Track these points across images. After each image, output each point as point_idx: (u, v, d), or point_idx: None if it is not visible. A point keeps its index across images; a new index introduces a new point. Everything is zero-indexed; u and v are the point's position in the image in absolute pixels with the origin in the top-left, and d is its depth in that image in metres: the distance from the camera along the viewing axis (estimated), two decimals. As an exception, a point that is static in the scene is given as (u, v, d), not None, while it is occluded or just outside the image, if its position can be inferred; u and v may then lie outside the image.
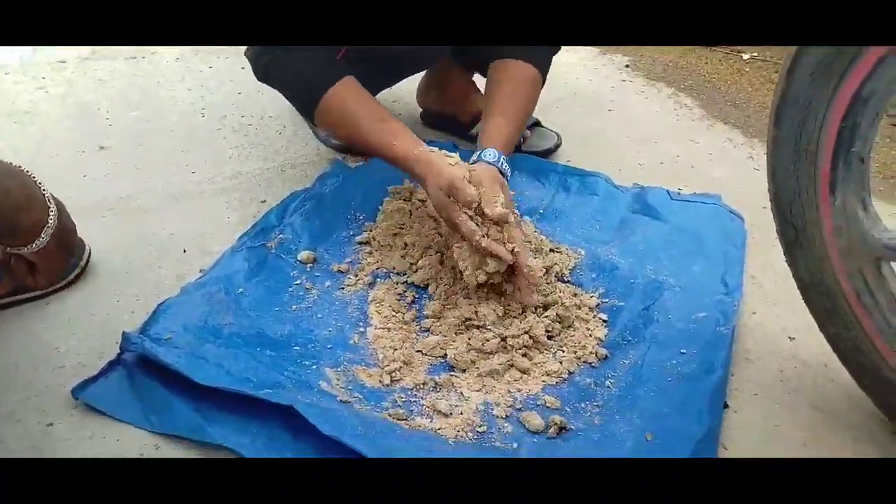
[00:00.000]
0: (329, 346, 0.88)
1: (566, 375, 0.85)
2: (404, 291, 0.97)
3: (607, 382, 0.84)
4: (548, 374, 0.86)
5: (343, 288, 0.98)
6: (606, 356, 0.88)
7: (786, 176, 0.76)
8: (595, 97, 1.57)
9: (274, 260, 1.00)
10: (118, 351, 0.82)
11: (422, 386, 0.84)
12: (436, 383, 0.84)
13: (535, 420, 0.79)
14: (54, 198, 0.69)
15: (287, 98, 1.16)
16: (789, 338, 0.96)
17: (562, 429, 0.78)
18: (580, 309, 0.93)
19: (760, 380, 0.89)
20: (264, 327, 0.88)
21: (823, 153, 0.72)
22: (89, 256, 0.98)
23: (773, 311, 1.00)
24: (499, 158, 1.02)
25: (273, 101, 1.46)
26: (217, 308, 0.89)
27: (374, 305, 0.95)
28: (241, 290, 0.93)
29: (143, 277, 0.98)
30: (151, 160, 1.25)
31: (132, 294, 0.95)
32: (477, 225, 0.91)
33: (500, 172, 1.00)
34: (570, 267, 1.01)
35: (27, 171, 0.68)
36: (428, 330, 0.91)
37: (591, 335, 0.90)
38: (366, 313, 0.94)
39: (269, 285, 0.95)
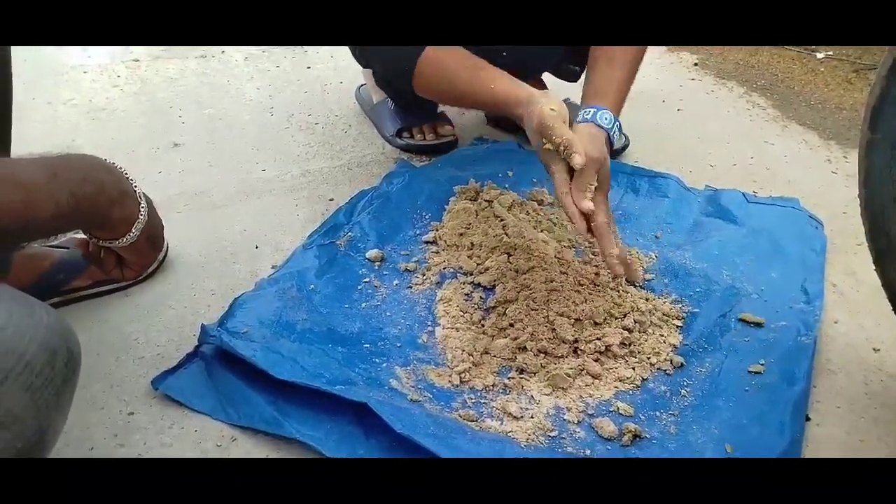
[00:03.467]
0: (398, 345, 0.88)
1: (639, 382, 0.84)
2: (471, 291, 0.97)
3: (683, 391, 0.82)
4: (620, 381, 0.84)
5: (411, 287, 0.98)
6: (682, 364, 0.85)
7: (880, 181, 0.73)
8: (663, 96, 1.54)
9: (343, 258, 1.01)
10: (196, 343, 0.85)
11: (491, 388, 0.83)
12: (505, 385, 0.84)
13: (608, 427, 0.77)
14: (144, 194, 0.71)
15: (386, 75, 1.15)
16: (874, 349, 0.92)
17: (636, 436, 0.76)
18: (654, 314, 0.91)
19: (844, 392, 0.85)
20: (335, 324, 0.89)
21: (924, 157, 0.69)
22: (167, 250, 1.01)
23: (856, 321, 0.96)
24: (612, 123, 0.94)
25: (339, 101, 1.48)
26: (290, 304, 0.90)
27: (442, 305, 0.95)
28: (312, 286, 0.94)
29: (218, 272, 1.01)
30: (223, 157, 1.28)
31: (208, 288, 0.98)
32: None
33: (609, 140, 0.94)
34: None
35: (118, 167, 0.70)
36: (495, 331, 0.90)
37: (665, 341, 0.88)
38: (433, 312, 0.94)
39: (340, 282, 0.96)
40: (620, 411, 0.80)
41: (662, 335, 0.89)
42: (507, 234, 1.03)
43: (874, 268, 0.79)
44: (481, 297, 0.96)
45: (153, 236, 0.74)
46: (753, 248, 1.04)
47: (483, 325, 0.92)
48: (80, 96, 1.49)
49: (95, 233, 0.70)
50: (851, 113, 1.48)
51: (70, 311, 0.93)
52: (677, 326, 0.91)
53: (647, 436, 0.77)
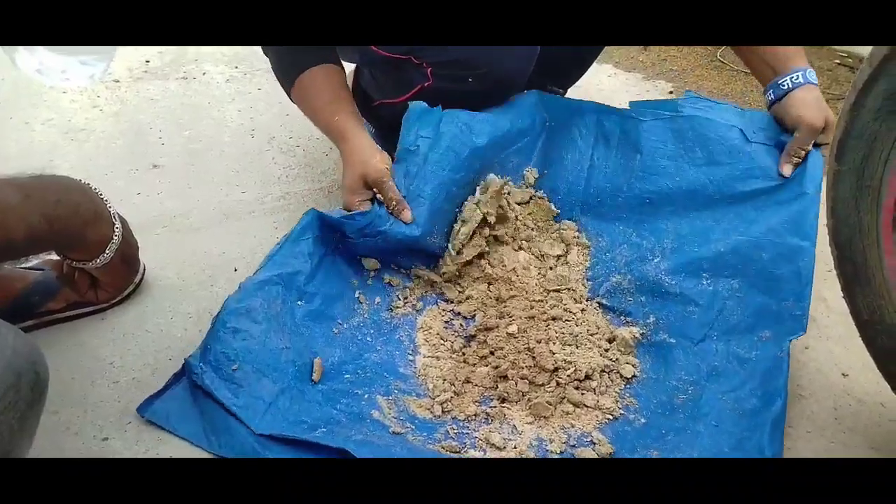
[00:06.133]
0: (379, 373, 0.88)
1: (618, 414, 0.84)
2: (451, 319, 0.97)
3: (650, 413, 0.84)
4: (599, 409, 0.84)
5: (391, 309, 0.98)
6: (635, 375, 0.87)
7: (846, 211, 0.76)
8: (639, 124, 1.56)
9: (338, 261, 0.97)
10: (174, 367, 0.84)
11: (473, 417, 0.84)
12: (487, 415, 0.84)
13: (589, 455, 0.78)
14: (119, 214, 0.71)
15: (273, 67, 1.12)
16: (843, 374, 0.94)
17: (614, 458, 0.78)
18: (615, 335, 0.93)
19: (814, 417, 0.87)
20: (316, 353, 0.87)
21: (887, 188, 0.71)
22: (144, 273, 1.00)
23: (826, 347, 0.98)
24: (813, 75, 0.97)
25: (320, 123, 1.48)
26: (274, 326, 0.86)
27: (423, 333, 0.95)
28: (299, 302, 0.90)
29: (196, 295, 1.00)
30: (203, 179, 1.28)
31: (185, 311, 0.97)
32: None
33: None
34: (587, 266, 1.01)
35: (93, 188, 0.70)
36: (476, 359, 0.91)
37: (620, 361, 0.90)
38: (414, 340, 0.94)
39: (326, 292, 0.93)
40: (600, 444, 0.80)
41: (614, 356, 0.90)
42: (490, 264, 1.02)
43: (843, 295, 0.82)
44: (462, 325, 0.97)
45: (128, 257, 0.73)
46: None
47: (464, 354, 0.92)
48: (58, 116, 1.48)
49: (69, 254, 0.70)
50: (821, 142, 1.52)
51: (45, 334, 0.92)
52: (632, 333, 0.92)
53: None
